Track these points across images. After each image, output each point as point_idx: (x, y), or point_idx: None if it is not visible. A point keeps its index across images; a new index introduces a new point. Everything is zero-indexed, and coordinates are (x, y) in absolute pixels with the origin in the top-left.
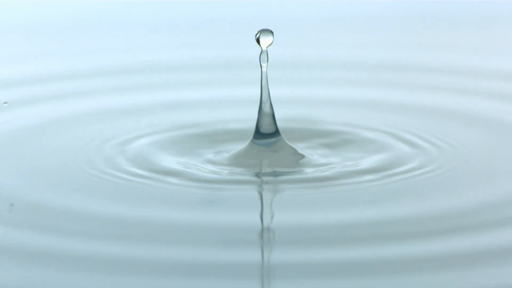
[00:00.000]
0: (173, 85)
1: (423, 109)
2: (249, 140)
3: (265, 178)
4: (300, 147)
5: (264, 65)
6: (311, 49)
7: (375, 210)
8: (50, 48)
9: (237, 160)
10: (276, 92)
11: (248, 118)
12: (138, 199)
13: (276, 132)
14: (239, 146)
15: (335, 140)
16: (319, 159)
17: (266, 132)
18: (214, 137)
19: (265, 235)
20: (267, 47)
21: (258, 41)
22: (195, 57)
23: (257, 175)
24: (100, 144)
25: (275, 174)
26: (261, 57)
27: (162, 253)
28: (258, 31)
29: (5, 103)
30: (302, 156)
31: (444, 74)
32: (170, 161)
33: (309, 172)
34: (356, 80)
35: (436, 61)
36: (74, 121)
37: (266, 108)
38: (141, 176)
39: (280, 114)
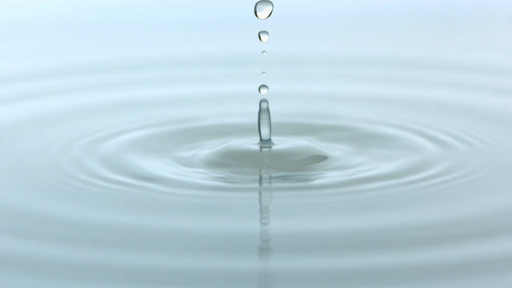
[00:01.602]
0: (169, 82)
1: (452, 107)
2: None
3: (266, 182)
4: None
5: (264, 40)
6: (329, 46)
7: (383, 217)
8: (37, 46)
9: (239, 163)
10: (292, 88)
11: (241, 113)
12: (133, 205)
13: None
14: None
15: (358, 138)
16: (341, 160)
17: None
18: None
19: (269, 242)
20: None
21: (255, 12)
22: (191, 54)
23: (260, 179)
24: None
25: (283, 178)
26: (261, 34)
27: (160, 260)
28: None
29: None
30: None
31: (474, 73)
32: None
33: (325, 176)
34: (379, 77)
35: (469, 60)
36: (77, 116)
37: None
38: (136, 180)
39: (298, 110)
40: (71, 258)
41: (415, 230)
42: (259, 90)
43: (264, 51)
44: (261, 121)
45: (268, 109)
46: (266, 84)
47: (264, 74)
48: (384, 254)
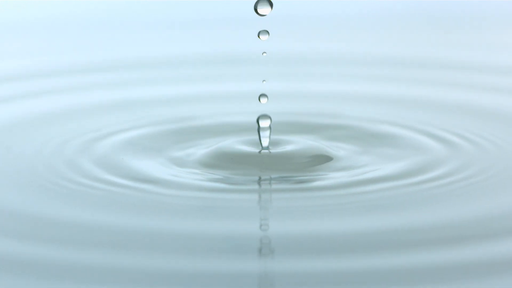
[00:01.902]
0: (168, 81)
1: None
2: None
3: (267, 183)
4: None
5: (264, 38)
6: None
7: (388, 219)
8: (32, 46)
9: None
10: (294, 87)
11: (240, 113)
12: (131, 207)
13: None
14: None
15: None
16: (346, 160)
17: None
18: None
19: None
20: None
21: (256, 9)
22: (190, 53)
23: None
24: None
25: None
26: (261, 33)
27: (158, 262)
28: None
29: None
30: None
31: (480, 72)
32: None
33: (330, 177)
34: (383, 76)
35: (474, 59)
36: (74, 115)
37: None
38: (133, 182)
39: (301, 109)
40: (70, 260)
41: (420, 232)
42: (259, 99)
43: (265, 52)
44: (262, 138)
45: (270, 127)
46: (266, 93)
47: (264, 82)
48: (389, 256)
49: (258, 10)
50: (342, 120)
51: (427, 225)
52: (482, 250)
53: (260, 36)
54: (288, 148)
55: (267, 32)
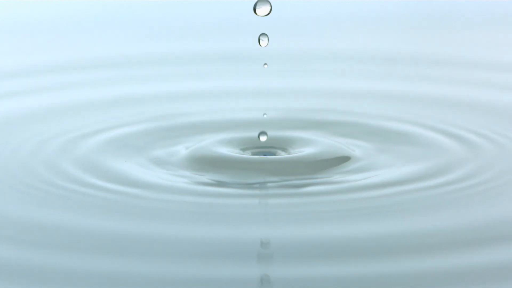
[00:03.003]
0: (164, 78)
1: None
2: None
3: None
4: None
5: (263, 44)
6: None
7: (396, 223)
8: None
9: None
10: (300, 84)
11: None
12: (128, 211)
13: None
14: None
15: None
16: (360, 161)
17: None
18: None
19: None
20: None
21: (254, 10)
22: (188, 51)
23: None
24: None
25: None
26: (261, 37)
27: (159, 267)
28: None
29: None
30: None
31: (496, 71)
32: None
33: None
34: (393, 74)
35: (485, 58)
36: (70, 113)
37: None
38: (123, 186)
39: (306, 106)
40: (68, 265)
41: (427, 236)
42: (258, 137)
43: (266, 64)
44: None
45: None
46: (265, 131)
47: (265, 115)
48: (397, 261)
49: (257, 11)
50: (350, 117)
51: (438, 229)
52: (500, 255)
53: (260, 42)
54: (299, 147)
55: (267, 37)
